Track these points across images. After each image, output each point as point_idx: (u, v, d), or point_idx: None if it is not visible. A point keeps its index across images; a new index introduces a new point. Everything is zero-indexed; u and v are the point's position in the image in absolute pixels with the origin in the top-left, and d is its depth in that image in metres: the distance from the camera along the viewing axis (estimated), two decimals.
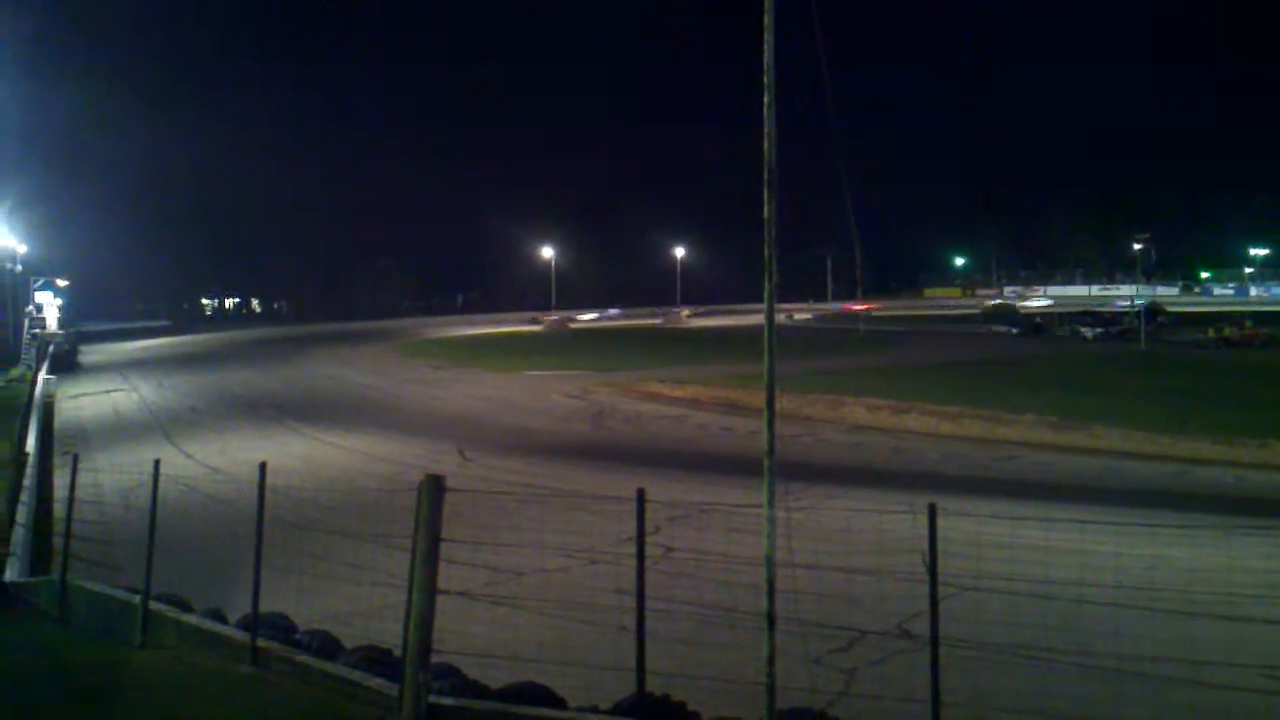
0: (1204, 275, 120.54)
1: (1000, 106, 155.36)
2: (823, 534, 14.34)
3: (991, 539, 12.21)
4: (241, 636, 9.98)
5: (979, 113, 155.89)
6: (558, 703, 8.20)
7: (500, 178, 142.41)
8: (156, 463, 12.28)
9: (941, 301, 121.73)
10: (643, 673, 7.60)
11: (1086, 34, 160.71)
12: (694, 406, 36.25)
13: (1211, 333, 57.56)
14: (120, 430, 34.92)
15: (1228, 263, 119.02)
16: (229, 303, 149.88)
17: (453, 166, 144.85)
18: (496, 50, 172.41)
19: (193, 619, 10.95)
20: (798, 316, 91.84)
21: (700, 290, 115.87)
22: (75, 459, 15.22)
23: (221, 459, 26.73)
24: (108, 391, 47.43)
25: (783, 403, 28.15)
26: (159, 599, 11.33)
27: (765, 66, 7.17)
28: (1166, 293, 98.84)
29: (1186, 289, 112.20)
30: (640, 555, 7.82)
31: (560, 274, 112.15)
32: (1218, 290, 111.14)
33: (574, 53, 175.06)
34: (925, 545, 7.04)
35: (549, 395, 40.64)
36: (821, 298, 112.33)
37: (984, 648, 9.84)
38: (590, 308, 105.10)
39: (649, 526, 8.22)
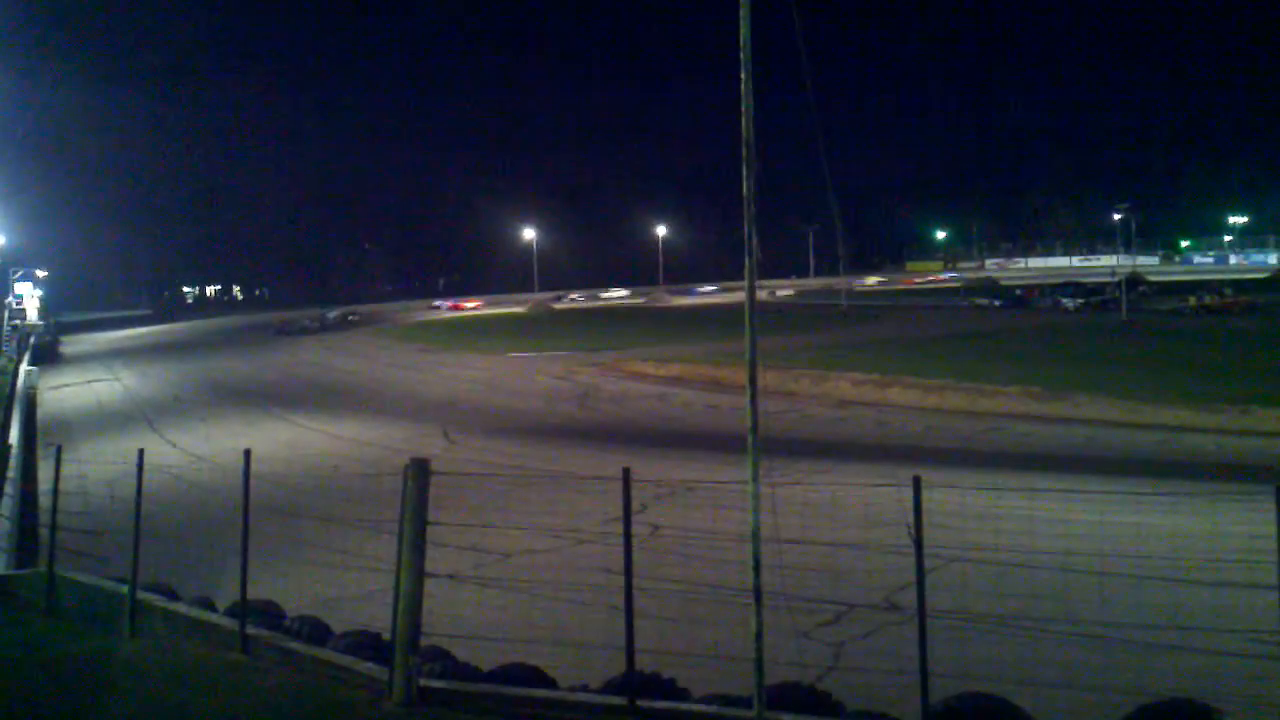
0: (1184, 244, 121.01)
1: (981, 81, 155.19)
2: (809, 509, 14.36)
3: (977, 510, 12.29)
4: (230, 624, 9.95)
5: (961, 87, 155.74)
6: (548, 683, 8.22)
7: (480, 161, 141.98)
8: (141, 452, 12.19)
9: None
10: (632, 651, 7.61)
11: (1066, 8, 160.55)
12: (678, 385, 36.28)
13: (1192, 301, 57.70)
14: (104, 420, 34.75)
15: (1207, 231, 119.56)
16: (210, 290, 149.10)
17: (432, 152, 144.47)
18: (473, 36, 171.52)
19: (181, 608, 10.90)
20: (780, 293, 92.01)
21: (682, 268, 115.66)
22: (59, 450, 15.09)
23: (206, 447, 26.63)
24: (90, 382, 47.20)
25: (766, 379, 28.15)
26: (147, 588, 11.28)
27: (741, 44, 7.12)
28: (1147, 262, 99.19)
29: (1166, 258, 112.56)
30: (627, 534, 7.82)
31: (542, 255, 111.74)
32: (1198, 259, 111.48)
33: (550, 35, 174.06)
34: (911, 518, 7.05)
35: (534, 377, 40.60)
36: (804, 273, 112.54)
37: (971, 618, 9.89)
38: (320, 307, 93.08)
39: (635, 505, 8.22)
